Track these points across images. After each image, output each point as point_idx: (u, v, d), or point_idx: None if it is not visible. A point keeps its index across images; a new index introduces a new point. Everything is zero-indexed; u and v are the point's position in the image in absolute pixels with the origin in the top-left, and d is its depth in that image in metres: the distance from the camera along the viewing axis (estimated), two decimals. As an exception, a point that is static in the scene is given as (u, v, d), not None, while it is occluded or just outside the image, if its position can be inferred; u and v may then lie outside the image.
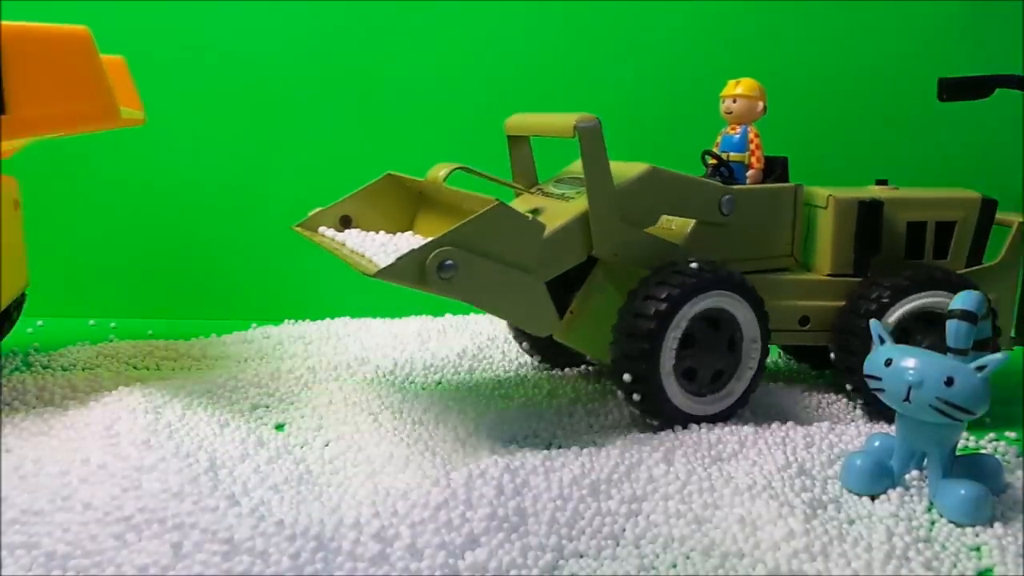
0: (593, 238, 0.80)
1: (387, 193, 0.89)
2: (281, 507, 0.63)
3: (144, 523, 0.58)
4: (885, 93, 1.29)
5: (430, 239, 0.69)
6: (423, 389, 0.96)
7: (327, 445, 0.79)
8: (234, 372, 0.98)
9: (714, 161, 0.95)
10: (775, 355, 1.12)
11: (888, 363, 0.68)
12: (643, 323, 0.78)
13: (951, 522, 0.65)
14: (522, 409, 0.86)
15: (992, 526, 0.65)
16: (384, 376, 0.99)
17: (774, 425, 0.84)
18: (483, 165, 0.86)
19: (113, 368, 1.00)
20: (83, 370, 0.99)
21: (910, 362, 0.66)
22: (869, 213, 0.90)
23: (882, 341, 0.71)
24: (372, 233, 0.83)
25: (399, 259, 0.67)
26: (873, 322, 0.72)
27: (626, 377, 0.79)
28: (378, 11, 1.28)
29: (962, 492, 0.66)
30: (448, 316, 1.28)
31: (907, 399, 0.66)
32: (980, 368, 0.65)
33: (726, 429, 0.82)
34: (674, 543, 0.61)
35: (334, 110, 1.31)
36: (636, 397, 0.80)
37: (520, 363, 1.06)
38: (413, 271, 0.67)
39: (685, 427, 0.82)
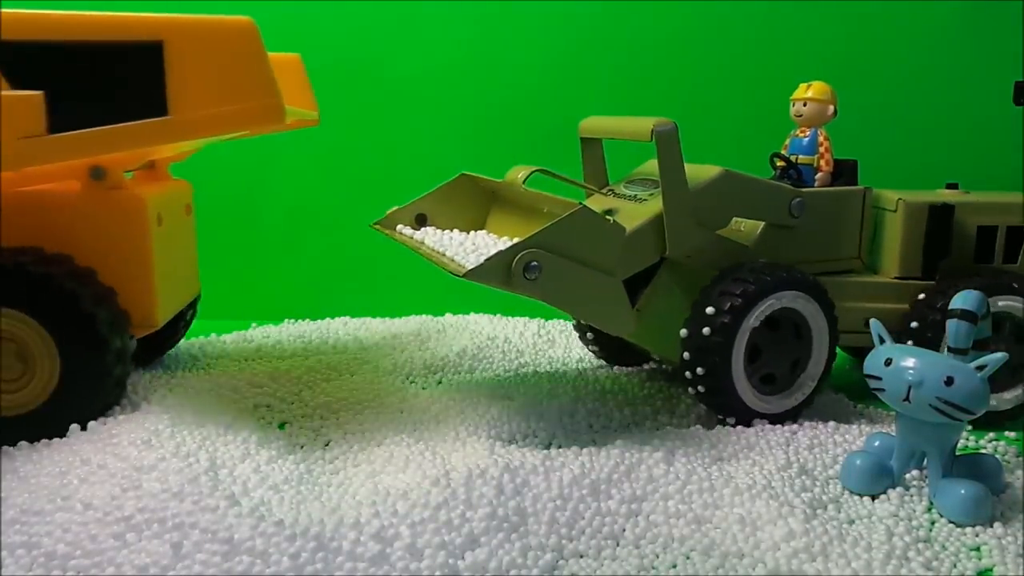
0: (667, 240, 0.82)
1: (461, 192, 0.92)
2: (281, 507, 0.63)
3: (144, 523, 0.58)
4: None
5: (516, 241, 0.71)
6: (423, 389, 0.96)
7: (327, 445, 0.79)
8: (234, 372, 0.98)
9: (782, 164, 0.96)
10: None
11: (888, 363, 0.68)
12: (716, 319, 0.80)
13: (951, 522, 0.65)
14: (522, 409, 0.86)
15: (992, 526, 0.65)
16: (384, 376, 0.99)
17: (775, 425, 0.84)
18: (544, 165, 0.88)
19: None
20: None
21: (910, 362, 0.66)
22: (940, 217, 0.91)
23: (882, 341, 0.71)
24: (449, 232, 0.85)
25: (487, 260, 0.69)
26: (873, 322, 0.72)
27: (698, 371, 0.81)
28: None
29: (962, 492, 0.66)
30: (448, 316, 1.28)
31: (907, 399, 0.66)
32: (980, 368, 0.65)
33: (727, 429, 0.82)
34: (674, 543, 0.61)
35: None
36: (705, 392, 0.82)
37: (520, 363, 1.06)
38: (500, 272, 0.69)
39: (689, 428, 0.82)
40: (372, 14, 1.28)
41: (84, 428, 0.78)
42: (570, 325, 1.25)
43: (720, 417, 0.84)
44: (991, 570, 0.60)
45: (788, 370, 0.85)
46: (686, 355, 0.82)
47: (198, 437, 0.76)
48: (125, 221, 0.81)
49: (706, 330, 0.80)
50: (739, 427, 0.84)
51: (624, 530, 0.63)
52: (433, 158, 1.31)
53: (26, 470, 0.68)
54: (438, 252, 0.78)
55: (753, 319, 0.81)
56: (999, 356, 0.65)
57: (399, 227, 0.88)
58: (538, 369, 1.04)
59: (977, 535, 0.64)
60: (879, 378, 0.68)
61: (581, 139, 0.97)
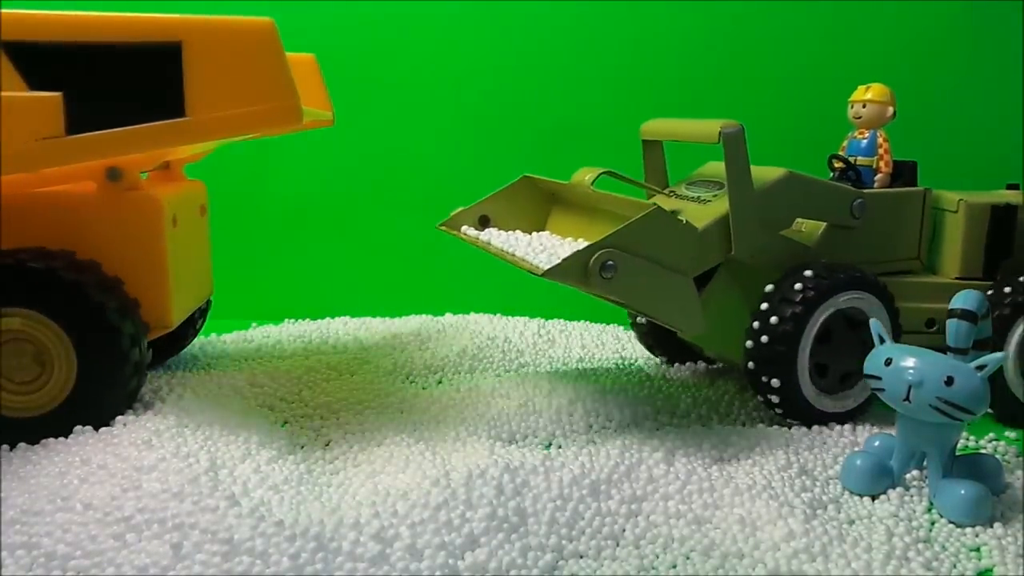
0: (733, 241, 0.82)
1: (522, 194, 0.94)
2: (281, 507, 0.63)
3: (144, 523, 0.58)
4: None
5: (593, 241, 0.72)
6: (423, 389, 0.96)
7: (327, 445, 0.79)
8: (234, 372, 0.98)
9: (840, 165, 0.96)
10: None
11: (888, 363, 0.68)
12: (780, 325, 0.81)
13: (951, 522, 0.65)
14: (522, 409, 0.86)
15: (992, 526, 0.65)
16: (384, 376, 0.99)
17: (775, 425, 0.84)
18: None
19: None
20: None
21: (910, 362, 0.66)
22: (1002, 217, 0.92)
23: (882, 340, 0.71)
24: (512, 232, 0.88)
25: (565, 260, 0.70)
26: (873, 321, 0.72)
27: (763, 378, 0.82)
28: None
29: (962, 492, 0.66)
30: (448, 316, 1.28)
31: (907, 399, 0.66)
32: (980, 368, 0.65)
33: (727, 429, 0.82)
34: (674, 543, 0.61)
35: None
36: (773, 398, 0.83)
37: (520, 363, 1.06)
38: (577, 271, 0.71)
39: (689, 428, 0.82)
40: (379, 12, 1.28)
41: (84, 428, 0.78)
42: (570, 325, 1.25)
43: (786, 420, 0.85)
44: (991, 570, 0.60)
45: (853, 370, 0.85)
46: (751, 364, 0.83)
47: (199, 437, 0.76)
48: (141, 222, 0.80)
49: (769, 337, 0.81)
50: (739, 427, 0.84)
51: (624, 530, 0.63)
52: (435, 159, 1.31)
53: (26, 470, 0.68)
54: (508, 252, 0.81)
55: (818, 321, 0.82)
56: (999, 356, 0.65)
57: (464, 228, 0.91)
58: (538, 369, 1.04)
59: (977, 535, 0.64)
60: (879, 378, 0.68)
61: (643, 141, 0.98)
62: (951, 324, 0.68)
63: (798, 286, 0.82)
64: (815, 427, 0.85)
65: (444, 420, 0.83)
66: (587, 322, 1.27)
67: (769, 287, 0.84)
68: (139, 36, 0.68)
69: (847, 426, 0.84)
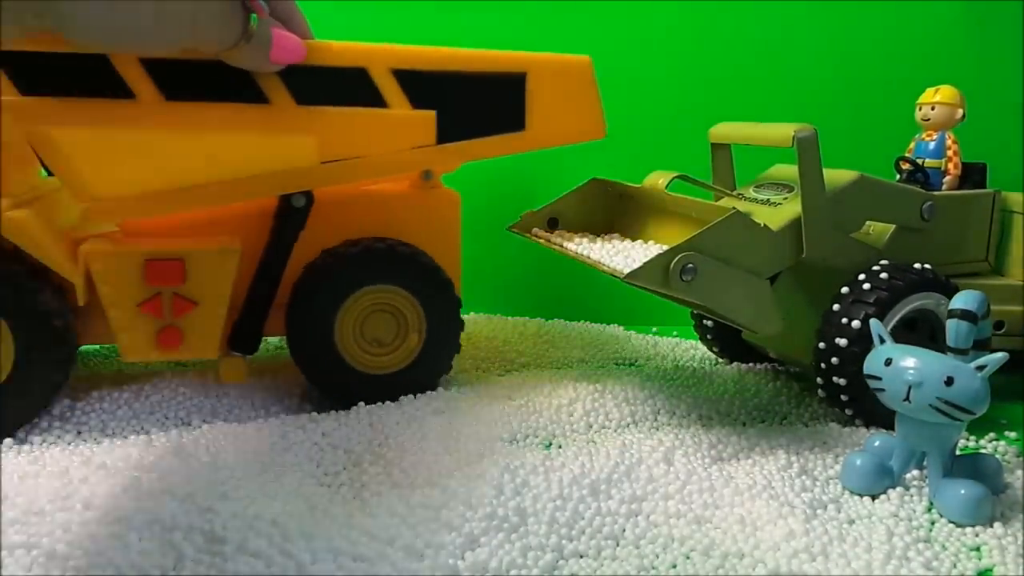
0: (806, 242, 0.83)
1: (591, 196, 0.96)
2: (281, 507, 0.63)
3: (144, 523, 0.58)
4: None
5: (671, 245, 0.73)
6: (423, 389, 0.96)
7: (329, 445, 0.78)
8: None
9: (907, 166, 0.96)
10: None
11: (888, 363, 0.68)
12: (852, 328, 0.81)
13: (951, 522, 0.65)
14: (522, 409, 0.86)
15: (992, 526, 0.65)
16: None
17: (775, 425, 0.84)
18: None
19: (112, 367, 1.00)
20: (82, 365, 0.99)
21: (910, 362, 0.66)
22: None
23: (882, 341, 0.71)
24: (582, 235, 0.90)
25: (647, 263, 0.72)
26: (873, 322, 0.72)
27: (834, 379, 0.82)
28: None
29: (962, 492, 0.66)
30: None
31: (907, 399, 0.66)
32: (980, 368, 0.65)
33: (727, 429, 0.82)
34: (674, 543, 0.61)
35: None
36: (843, 398, 0.83)
37: (520, 364, 1.06)
38: (658, 274, 0.72)
39: (689, 428, 0.82)
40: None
41: (86, 428, 0.78)
42: (569, 325, 1.25)
43: (857, 422, 0.85)
44: (991, 570, 0.60)
45: None
46: (822, 365, 0.83)
47: (200, 437, 0.76)
48: (444, 213, 0.95)
49: (841, 340, 0.81)
50: (739, 427, 0.84)
51: (624, 530, 0.63)
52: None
53: (26, 470, 0.68)
54: (584, 256, 0.82)
55: (891, 322, 0.82)
56: (999, 356, 0.65)
57: (535, 230, 0.93)
58: (538, 369, 1.04)
59: (977, 535, 0.64)
60: (879, 378, 0.68)
61: (712, 144, 0.99)
62: (951, 324, 0.68)
63: (871, 287, 0.82)
64: (815, 427, 0.85)
65: (444, 420, 0.83)
66: (587, 322, 1.27)
67: (844, 289, 0.84)
68: (495, 67, 0.86)
69: (847, 426, 0.84)
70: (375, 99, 0.82)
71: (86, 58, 0.74)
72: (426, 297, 0.89)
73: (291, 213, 0.86)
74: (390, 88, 0.83)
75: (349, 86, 0.81)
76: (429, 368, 0.91)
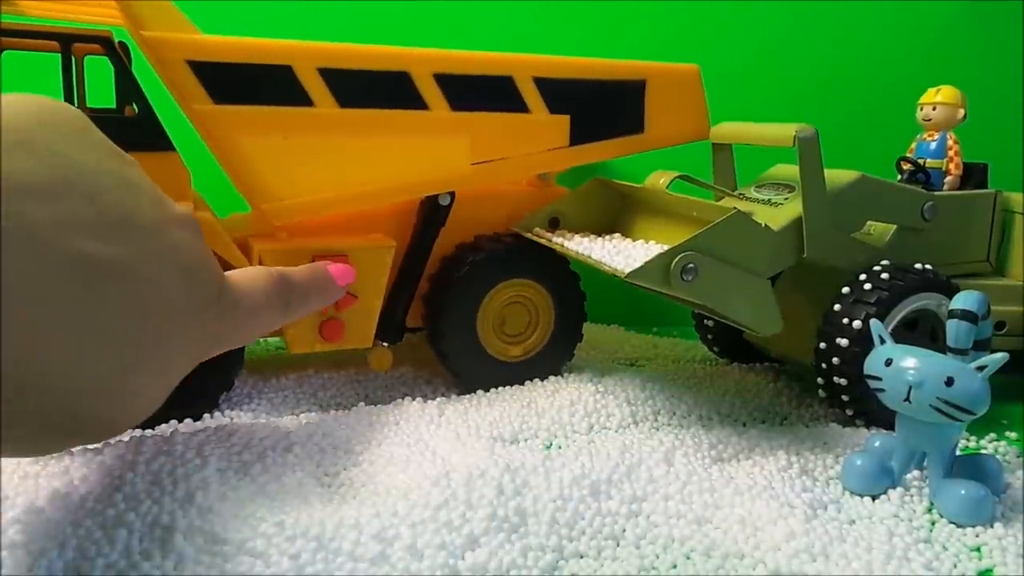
0: (806, 242, 0.83)
1: (593, 196, 0.97)
2: (281, 507, 0.63)
3: (144, 524, 0.58)
4: None
5: (672, 244, 0.73)
6: (423, 389, 0.96)
7: (329, 445, 0.78)
8: (234, 372, 0.98)
9: (908, 167, 0.96)
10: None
11: (888, 363, 0.68)
12: (853, 328, 0.81)
13: (951, 522, 0.65)
14: (522, 409, 0.86)
15: (992, 526, 0.65)
16: (384, 376, 0.99)
17: (776, 426, 0.84)
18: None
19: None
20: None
21: (910, 362, 0.66)
22: None
23: (882, 341, 0.71)
24: (583, 234, 0.92)
25: (647, 263, 0.72)
26: (873, 322, 0.72)
27: (835, 379, 0.82)
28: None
29: (963, 492, 0.66)
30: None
31: (907, 399, 0.66)
32: (980, 368, 0.65)
33: (727, 430, 0.82)
34: (674, 543, 0.61)
35: None
36: (844, 398, 0.83)
37: (520, 363, 1.06)
38: (659, 274, 0.73)
39: (689, 428, 0.82)
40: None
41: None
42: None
43: (857, 421, 0.85)
44: (991, 570, 0.60)
45: None
46: (823, 364, 0.83)
47: (200, 437, 0.76)
48: None
49: (842, 340, 0.81)
50: (739, 427, 0.84)
51: (624, 530, 0.63)
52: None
53: (26, 470, 0.68)
54: (585, 255, 0.83)
55: (891, 322, 0.82)
56: (1000, 356, 0.65)
57: (536, 229, 0.94)
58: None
59: (978, 536, 0.64)
60: (879, 378, 0.68)
61: (713, 144, 1.00)
62: (951, 324, 0.68)
63: (872, 287, 0.82)
64: (816, 428, 0.85)
65: (444, 420, 0.83)
66: (587, 322, 1.27)
67: (845, 289, 0.84)
68: (620, 75, 0.95)
69: (848, 427, 0.84)
70: (519, 105, 0.91)
71: (271, 68, 0.80)
72: (557, 290, 0.95)
73: (437, 211, 0.91)
74: (532, 95, 0.91)
75: (497, 93, 0.90)
76: (556, 356, 0.98)
